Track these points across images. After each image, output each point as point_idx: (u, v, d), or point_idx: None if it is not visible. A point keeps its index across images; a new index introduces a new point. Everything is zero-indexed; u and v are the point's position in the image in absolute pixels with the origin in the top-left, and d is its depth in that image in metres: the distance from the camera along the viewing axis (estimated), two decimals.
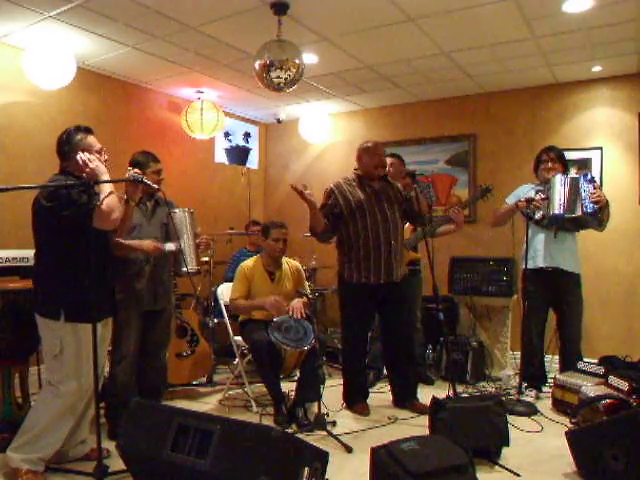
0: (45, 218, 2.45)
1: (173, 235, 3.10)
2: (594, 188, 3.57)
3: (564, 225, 3.72)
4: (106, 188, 2.43)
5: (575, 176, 3.70)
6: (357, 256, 3.45)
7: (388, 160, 3.80)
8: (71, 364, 2.47)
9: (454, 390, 3.31)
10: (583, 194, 3.57)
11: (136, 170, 2.79)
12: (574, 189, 3.59)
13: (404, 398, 3.60)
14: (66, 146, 2.54)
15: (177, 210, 3.20)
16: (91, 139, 2.57)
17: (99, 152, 2.57)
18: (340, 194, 3.51)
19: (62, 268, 2.48)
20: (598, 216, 3.61)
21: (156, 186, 2.73)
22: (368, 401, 3.62)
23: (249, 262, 3.75)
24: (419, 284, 4.22)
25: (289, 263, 3.83)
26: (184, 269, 3.09)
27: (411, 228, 4.15)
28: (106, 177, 2.48)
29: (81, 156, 2.47)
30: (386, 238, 3.44)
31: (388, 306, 3.54)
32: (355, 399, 3.58)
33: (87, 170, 2.45)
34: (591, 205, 3.54)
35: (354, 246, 3.46)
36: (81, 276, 2.45)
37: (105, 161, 2.58)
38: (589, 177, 3.63)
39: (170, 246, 3.07)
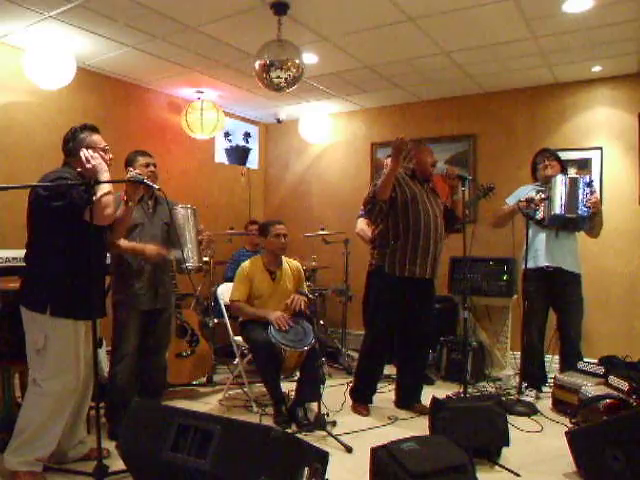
0: (39, 207, 2.45)
1: (175, 233, 3.10)
2: (591, 193, 3.63)
3: (564, 225, 3.73)
4: (104, 185, 2.44)
5: (575, 177, 3.74)
6: (404, 248, 3.38)
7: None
8: (54, 361, 2.44)
9: (465, 389, 3.31)
10: (580, 196, 3.62)
11: (137, 171, 2.80)
12: (573, 190, 3.63)
13: (409, 401, 3.57)
14: (71, 142, 2.56)
15: (180, 207, 3.21)
16: (96, 137, 2.60)
17: (104, 150, 2.59)
18: (397, 181, 3.43)
19: (53, 261, 2.46)
20: (591, 220, 3.67)
21: (156, 186, 2.73)
22: None
23: (249, 262, 3.74)
24: None
25: (289, 263, 3.83)
26: (184, 265, 3.09)
27: None
28: (106, 175, 2.49)
29: (84, 152, 2.49)
30: (436, 233, 3.43)
31: (422, 303, 3.48)
32: (362, 398, 3.57)
33: (88, 167, 2.47)
34: (585, 208, 3.60)
35: (403, 237, 3.39)
36: (72, 271, 2.45)
37: (110, 159, 2.60)
38: (587, 180, 3.68)
39: (174, 254, 3.08)
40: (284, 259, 3.80)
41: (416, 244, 3.37)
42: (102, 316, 2.72)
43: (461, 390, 3.37)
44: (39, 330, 2.43)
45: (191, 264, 3.13)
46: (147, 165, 3.13)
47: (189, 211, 3.21)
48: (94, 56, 4.18)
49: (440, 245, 3.49)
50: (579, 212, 3.61)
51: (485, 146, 5.17)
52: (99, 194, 2.40)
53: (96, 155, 2.51)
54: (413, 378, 3.61)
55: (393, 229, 3.43)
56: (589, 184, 3.66)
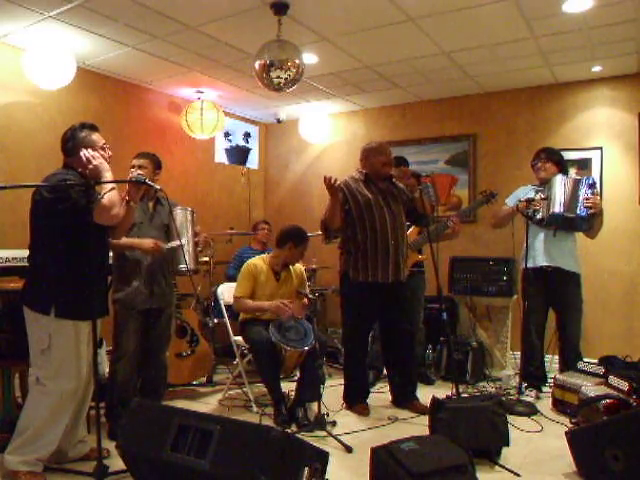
0: (43, 209, 2.45)
1: (174, 234, 3.10)
2: (592, 194, 3.64)
3: (562, 225, 3.73)
4: (108, 184, 2.45)
5: (577, 177, 3.76)
6: (365, 255, 3.43)
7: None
8: (58, 361, 2.44)
9: (457, 390, 3.31)
10: (580, 197, 3.63)
11: (139, 172, 2.80)
12: (574, 190, 3.64)
13: (404, 398, 3.59)
14: (70, 142, 2.55)
15: (179, 209, 3.21)
16: (95, 136, 2.59)
17: (103, 148, 2.59)
18: (349, 192, 3.50)
19: (56, 262, 2.46)
20: (590, 221, 3.68)
21: (158, 187, 2.74)
22: (368, 401, 3.62)
23: (256, 260, 3.73)
24: (423, 285, 4.22)
25: (294, 266, 3.84)
26: (182, 267, 3.09)
27: (417, 231, 4.15)
28: (109, 174, 2.49)
29: (85, 153, 2.49)
30: (394, 237, 3.45)
31: (392, 305, 3.52)
32: (355, 399, 3.58)
33: (90, 167, 2.47)
34: (584, 209, 3.61)
35: (362, 245, 3.44)
36: (76, 272, 2.46)
37: (109, 157, 2.60)
38: (590, 181, 3.69)
39: (172, 244, 3.08)
40: None
41: (375, 250, 3.42)
42: (105, 314, 2.73)
43: (453, 391, 3.35)
44: (43, 330, 2.44)
45: (186, 266, 3.13)
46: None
47: (187, 213, 3.21)
48: (94, 56, 4.18)
49: (402, 247, 3.50)
50: (578, 212, 3.62)
51: (485, 146, 5.17)
52: (104, 193, 2.40)
53: (97, 155, 2.51)
54: (403, 377, 3.62)
55: (352, 238, 3.48)
56: (592, 185, 3.67)
